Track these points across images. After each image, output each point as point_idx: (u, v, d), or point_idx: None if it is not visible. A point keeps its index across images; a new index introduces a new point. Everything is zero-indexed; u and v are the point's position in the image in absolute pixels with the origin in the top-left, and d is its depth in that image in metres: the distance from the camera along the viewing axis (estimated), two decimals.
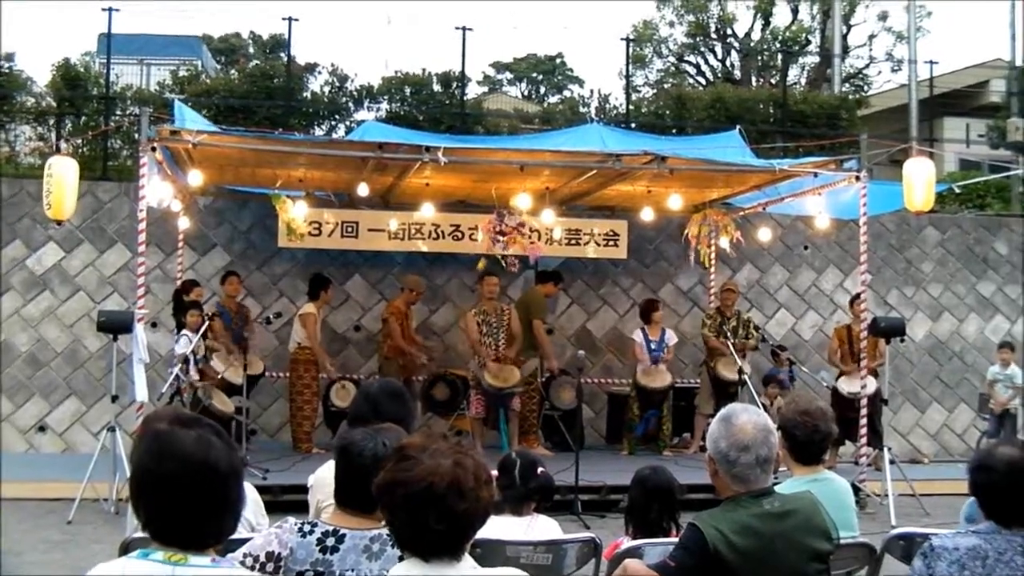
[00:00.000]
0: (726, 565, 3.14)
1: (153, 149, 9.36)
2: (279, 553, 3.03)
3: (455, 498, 2.52)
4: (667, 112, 17.69)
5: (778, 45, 25.40)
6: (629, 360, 13.06)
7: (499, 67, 37.65)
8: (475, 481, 2.57)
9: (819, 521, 3.38)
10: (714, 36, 26.10)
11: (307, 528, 3.09)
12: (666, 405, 12.47)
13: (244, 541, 3.19)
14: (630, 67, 19.34)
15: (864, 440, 10.45)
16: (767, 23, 26.25)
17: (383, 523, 3.11)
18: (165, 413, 2.48)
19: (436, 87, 16.62)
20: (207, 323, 10.58)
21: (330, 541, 3.06)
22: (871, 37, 26.34)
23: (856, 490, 8.43)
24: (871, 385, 10.79)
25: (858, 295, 11.57)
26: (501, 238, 11.75)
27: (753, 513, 3.25)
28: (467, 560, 2.67)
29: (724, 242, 12.85)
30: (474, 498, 2.56)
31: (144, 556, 2.27)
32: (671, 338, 12.48)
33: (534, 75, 38.07)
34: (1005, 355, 12.96)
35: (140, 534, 2.38)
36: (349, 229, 12.74)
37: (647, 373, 12.22)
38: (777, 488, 3.47)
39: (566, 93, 33.37)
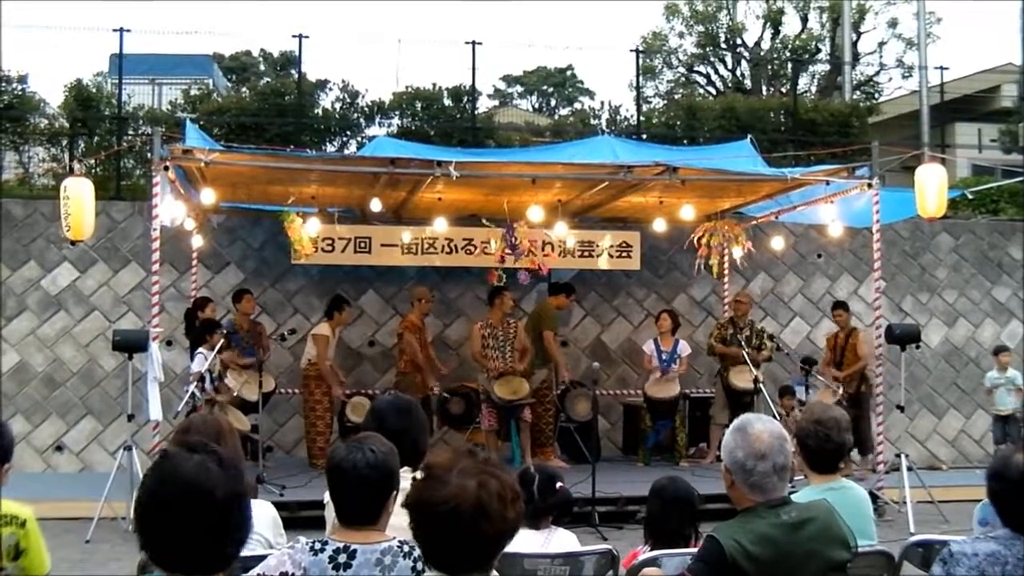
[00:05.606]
0: None
1: (166, 168, 9.41)
2: (292, 573, 3.03)
3: (481, 520, 2.49)
4: (678, 123, 17.70)
5: (788, 54, 25.42)
6: (642, 371, 13.03)
7: (510, 80, 37.74)
8: (500, 502, 2.53)
9: (836, 530, 3.36)
10: (724, 46, 26.14)
11: (319, 546, 3.09)
12: (679, 416, 12.44)
13: (261, 559, 3.19)
14: (640, 78, 19.38)
15: (881, 448, 10.42)
16: (777, 32, 26.28)
17: (392, 536, 3.12)
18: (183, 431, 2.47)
19: (447, 101, 16.66)
20: (221, 341, 10.59)
21: (342, 558, 3.06)
22: (881, 44, 26.37)
23: (874, 498, 8.45)
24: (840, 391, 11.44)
25: (839, 303, 12.76)
26: (511, 252, 11.78)
27: (770, 523, 3.23)
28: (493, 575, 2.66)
29: (736, 252, 12.79)
30: (500, 519, 2.51)
31: None
32: (684, 349, 12.42)
33: (545, 88, 38.15)
34: (1005, 358, 12.84)
35: None
36: (362, 245, 12.75)
37: (655, 384, 12.23)
38: (793, 497, 3.45)
39: (577, 105, 33.45)
